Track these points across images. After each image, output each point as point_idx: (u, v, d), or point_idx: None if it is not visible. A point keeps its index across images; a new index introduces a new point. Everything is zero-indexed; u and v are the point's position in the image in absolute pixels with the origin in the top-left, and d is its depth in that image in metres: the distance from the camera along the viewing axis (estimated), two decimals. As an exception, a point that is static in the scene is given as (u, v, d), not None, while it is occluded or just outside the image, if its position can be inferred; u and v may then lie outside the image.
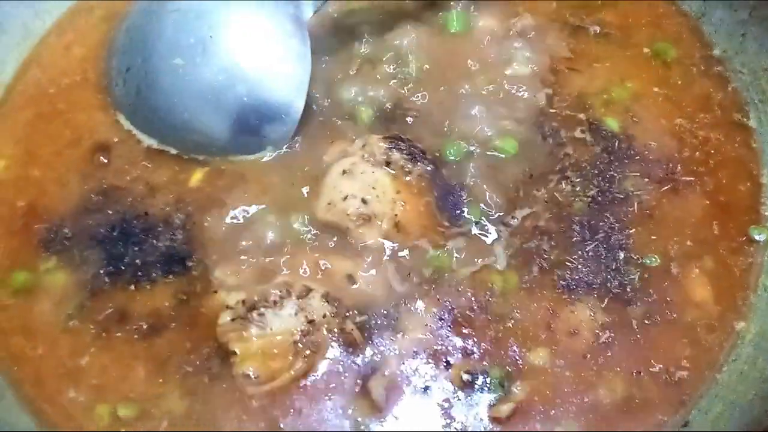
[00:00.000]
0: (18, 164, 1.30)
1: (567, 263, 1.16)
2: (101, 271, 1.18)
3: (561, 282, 1.15)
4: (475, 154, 1.25)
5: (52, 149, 1.31)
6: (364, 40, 1.37)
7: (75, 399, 1.09)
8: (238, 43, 1.25)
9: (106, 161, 1.28)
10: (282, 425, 1.05)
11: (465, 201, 1.21)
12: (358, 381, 1.08)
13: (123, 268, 1.17)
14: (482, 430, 1.05)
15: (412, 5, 1.41)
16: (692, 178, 1.24)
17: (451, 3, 1.40)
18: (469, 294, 1.14)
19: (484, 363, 1.09)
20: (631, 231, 1.19)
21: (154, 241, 1.20)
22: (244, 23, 1.26)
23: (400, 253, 1.16)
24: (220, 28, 1.25)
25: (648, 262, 1.16)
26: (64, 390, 1.10)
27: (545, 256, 1.17)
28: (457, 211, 1.20)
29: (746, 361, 1.11)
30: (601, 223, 1.20)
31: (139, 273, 1.17)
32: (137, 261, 1.18)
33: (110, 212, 1.23)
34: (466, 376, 1.07)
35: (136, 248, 1.19)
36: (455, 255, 1.17)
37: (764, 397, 1.06)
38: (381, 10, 1.41)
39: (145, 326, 1.13)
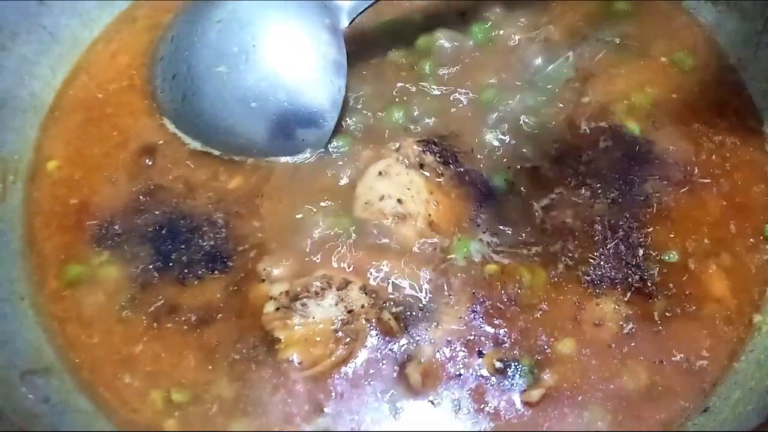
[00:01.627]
0: (69, 164, 1.36)
1: (590, 260, 1.21)
2: (150, 267, 1.23)
3: (585, 277, 1.20)
4: (503, 156, 1.31)
5: (101, 150, 1.37)
6: (397, 48, 1.43)
7: (130, 384, 1.15)
8: (279, 52, 1.31)
9: (150, 163, 1.34)
10: (325, 408, 1.11)
11: (493, 200, 1.27)
12: (396, 367, 1.13)
13: (171, 264, 1.23)
14: (514, 413, 1.10)
15: (441, 16, 1.47)
16: (709, 180, 1.30)
17: (483, 12, 1.47)
18: (500, 287, 1.19)
19: (515, 352, 1.14)
20: (649, 230, 1.24)
21: (199, 240, 1.25)
22: (284, 33, 1.32)
23: (434, 250, 1.22)
24: (262, 38, 1.31)
25: (667, 258, 1.22)
26: (120, 375, 1.15)
27: (570, 253, 1.22)
28: (486, 210, 1.26)
29: (763, 351, 1.16)
30: (620, 223, 1.25)
31: (186, 270, 1.22)
32: (184, 258, 1.23)
33: (157, 212, 1.28)
34: (498, 364, 1.13)
35: (183, 246, 1.25)
36: (486, 251, 1.22)
37: (781, 383, 1.12)
38: (411, 21, 1.48)
39: (194, 318, 1.18)
